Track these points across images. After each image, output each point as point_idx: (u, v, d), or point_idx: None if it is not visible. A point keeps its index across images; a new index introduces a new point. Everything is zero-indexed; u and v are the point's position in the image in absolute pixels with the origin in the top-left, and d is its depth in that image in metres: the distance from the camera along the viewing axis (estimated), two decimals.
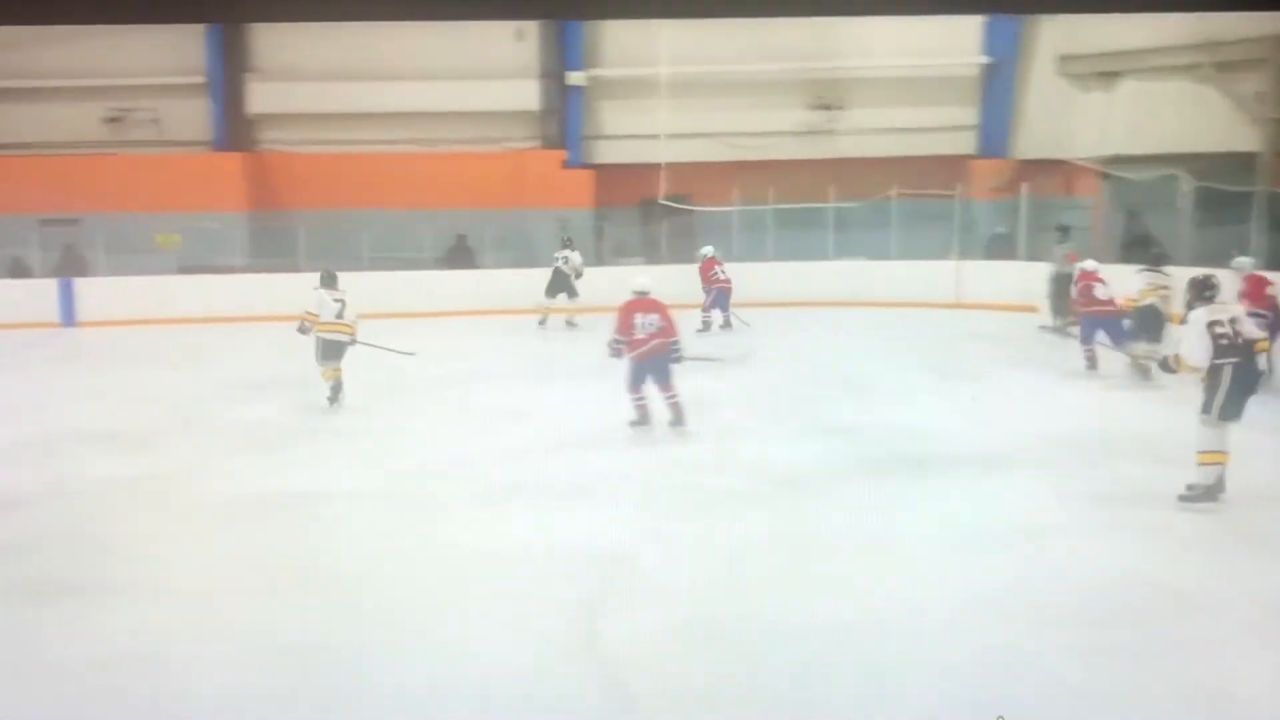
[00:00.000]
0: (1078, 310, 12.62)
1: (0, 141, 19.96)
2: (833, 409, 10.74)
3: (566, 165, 20.06)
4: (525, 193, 19.71)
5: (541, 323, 16.68)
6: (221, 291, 17.89)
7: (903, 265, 18.24)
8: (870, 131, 19.51)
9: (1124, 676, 5.03)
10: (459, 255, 19.25)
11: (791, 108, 19.90)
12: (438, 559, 6.76)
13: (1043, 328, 15.41)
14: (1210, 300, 7.40)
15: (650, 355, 9.50)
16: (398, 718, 4.85)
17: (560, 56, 20.07)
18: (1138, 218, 18.28)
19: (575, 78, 19.99)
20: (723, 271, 16.01)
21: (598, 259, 18.99)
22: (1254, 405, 7.35)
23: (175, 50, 19.76)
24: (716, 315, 15.88)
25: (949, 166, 19.24)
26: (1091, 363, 12.07)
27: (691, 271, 16.39)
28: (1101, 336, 11.98)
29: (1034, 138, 19.36)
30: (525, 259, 18.57)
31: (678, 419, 9.58)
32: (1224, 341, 7.15)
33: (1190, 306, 7.44)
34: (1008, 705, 4.63)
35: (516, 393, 11.75)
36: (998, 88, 19.65)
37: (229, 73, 19.94)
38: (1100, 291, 12.04)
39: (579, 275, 16.57)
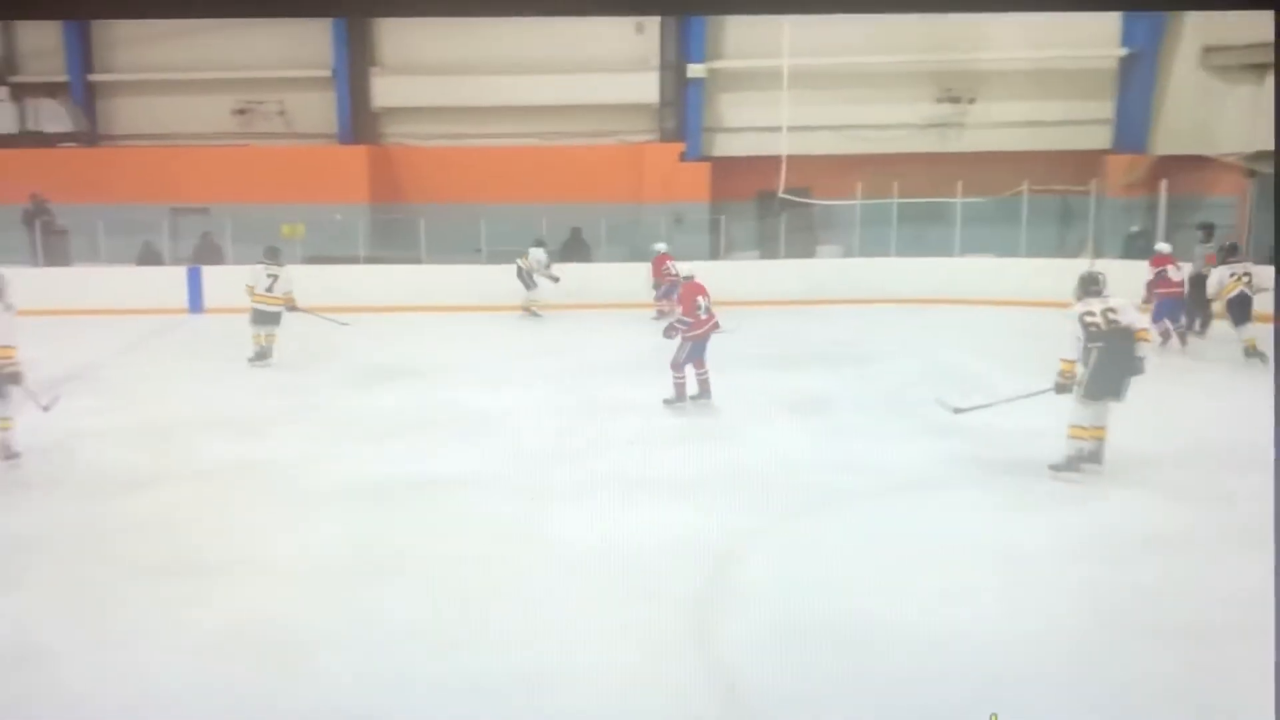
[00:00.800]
0: (1154, 292, 13.35)
1: (136, 132, 20.56)
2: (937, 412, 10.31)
3: (684, 158, 19.78)
4: (642, 186, 19.50)
5: (535, 315, 16.92)
6: (343, 281, 18.02)
7: (1033, 263, 17.51)
8: (1001, 125, 18.92)
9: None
10: (574, 248, 19.11)
11: (918, 100, 19.32)
12: (546, 549, 6.74)
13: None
14: (1096, 295, 8.10)
15: (706, 335, 10.10)
16: (502, 704, 4.84)
17: (680, 49, 19.81)
18: None
19: (696, 70, 19.69)
20: (673, 267, 15.53)
21: (712, 253, 18.68)
22: None
23: (302, 44, 20.10)
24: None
25: (1083, 162, 18.52)
26: (1165, 338, 12.96)
27: (809, 266, 15.97)
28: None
29: (1174, 133, 18.45)
30: (640, 253, 18.35)
31: (706, 393, 10.17)
32: (1093, 329, 7.91)
33: (1077, 299, 8.16)
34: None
35: (625, 385, 11.52)
36: (1136, 80, 18.80)
37: (354, 66, 20.19)
38: (1173, 274, 13.23)
39: (547, 272, 16.91)
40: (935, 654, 5.22)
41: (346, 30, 19.87)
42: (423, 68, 19.98)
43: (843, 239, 18.27)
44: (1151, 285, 13.54)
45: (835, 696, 4.85)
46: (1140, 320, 8.31)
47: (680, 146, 19.79)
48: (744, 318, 14.76)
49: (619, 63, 19.75)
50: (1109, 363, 7.90)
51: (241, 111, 20.44)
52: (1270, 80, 17.35)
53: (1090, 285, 8.18)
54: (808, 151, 18.81)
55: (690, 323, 10.08)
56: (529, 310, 17.03)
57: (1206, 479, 8.09)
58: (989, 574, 6.23)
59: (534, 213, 18.70)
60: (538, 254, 17.08)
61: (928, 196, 18.10)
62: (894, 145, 18.99)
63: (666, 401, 10.21)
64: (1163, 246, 13.99)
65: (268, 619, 5.69)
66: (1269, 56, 17.09)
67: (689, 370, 10.17)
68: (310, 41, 20.05)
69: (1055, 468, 8.09)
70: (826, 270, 18.38)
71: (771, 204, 19.15)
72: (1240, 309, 12.51)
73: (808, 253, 19.15)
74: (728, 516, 7.23)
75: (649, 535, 6.84)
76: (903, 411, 10.34)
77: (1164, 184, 17.22)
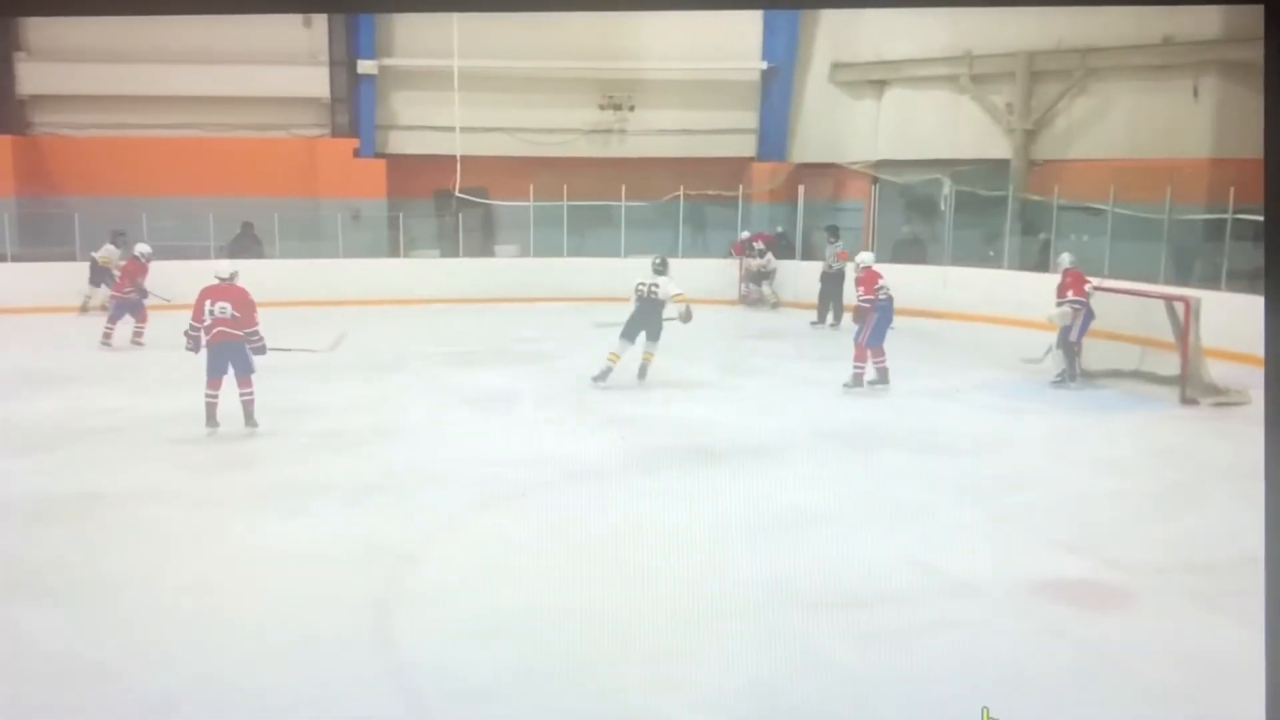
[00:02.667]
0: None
1: None
2: (630, 403, 10.93)
3: (358, 155, 19.45)
4: (316, 181, 19.03)
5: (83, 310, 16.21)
6: None
7: (690, 264, 18.58)
8: (658, 132, 19.80)
9: (893, 657, 5.31)
10: (246, 244, 18.40)
11: (583, 106, 19.94)
12: (224, 560, 6.53)
13: (814, 324, 16.08)
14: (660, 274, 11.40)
15: (221, 342, 9.13)
16: None
17: (350, 44, 19.40)
18: (906, 219, 19.25)
19: (366, 66, 19.37)
20: None
21: (391, 251, 18.60)
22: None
23: None
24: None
25: (733, 168, 19.73)
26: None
27: (488, 265, 16.27)
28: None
29: (810, 142, 20.07)
30: (315, 249, 18.01)
31: (248, 417, 9.29)
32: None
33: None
34: (783, 688, 4.95)
35: (305, 388, 11.23)
36: (776, 93, 20.15)
37: None
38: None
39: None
40: (614, 636, 5.49)
41: None
42: (75, 54, 18.44)
43: (520, 239, 18.68)
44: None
45: (519, 689, 4.96)
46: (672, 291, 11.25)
47: (354, 142, 19.46)
48: (425, 315, 14.95)
49: (287, 56, 19.17)
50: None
51: None
52: (888, 94, 19.31)
53: (657, 264, 11.53)
54: (483, 152, 19.06)
55: (200, 328, 9.25)
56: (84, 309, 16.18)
57: (841, 459, 9.08)
58: (661, 556, 6.61)
59: (199, 206, 17.88)
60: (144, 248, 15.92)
61: (595, 199, 18.81)
62: (563, 149, 19.55)
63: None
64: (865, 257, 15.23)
65: None
66: (886, 73, 19.06)
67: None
68: None
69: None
70: (505, 269, 18.78)
71: (449, 203, 19.28)
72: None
73: (486, 252, 19.44)
74: (411, 516, 7.27)
75: (326, 542, 6.77)
76: (582, 406, 10.81)
77: (801, 189, 18.74)
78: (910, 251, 18.01)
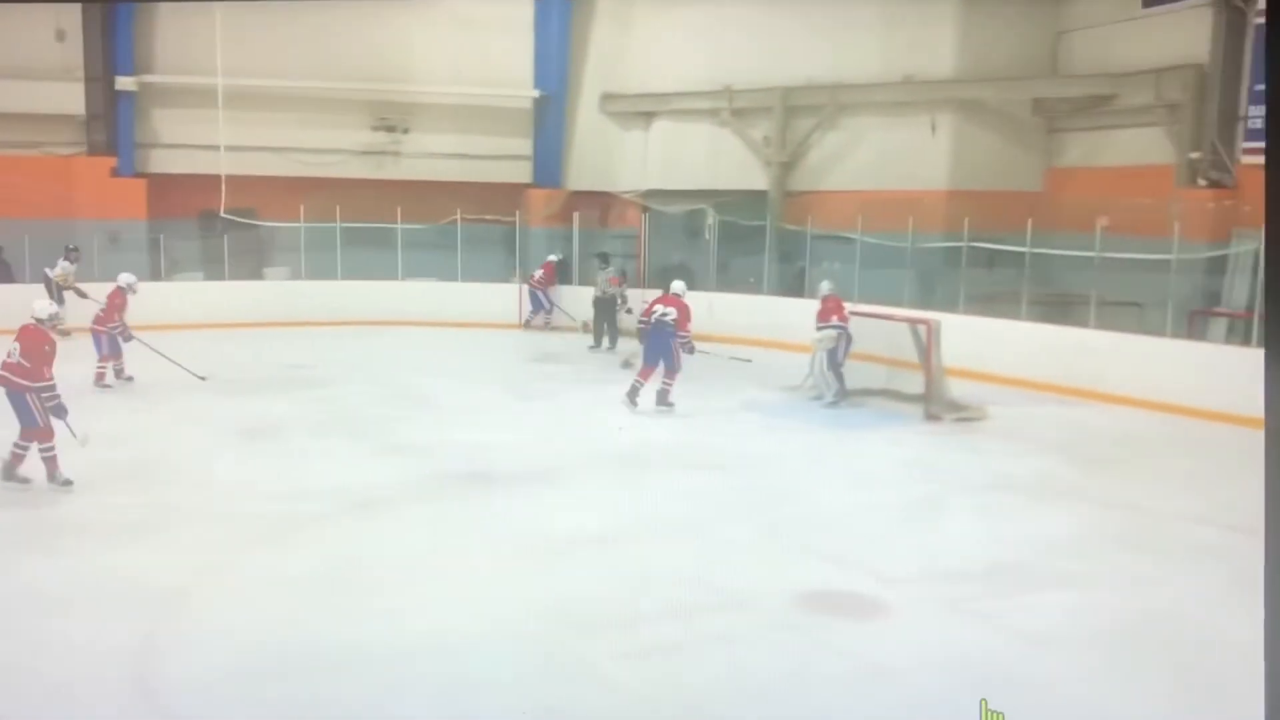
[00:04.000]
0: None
1: None
2: (408, 429, 10.74)
3: (116, 174, 18.34)
4: (71, 202, 17.78)
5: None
6: None
7: (469, 287, 18.46)
8: (434, 155, 19.55)
9: (667, 674, 5.44)
10: None
11: (356, 127, 19.48)
12: None
13: (591, 348, 16.27)
14: None
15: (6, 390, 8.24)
16: None
17: (108, 60, 18.30)
18: (676, 247, 19.66)
19: (125, 83, 18.31)
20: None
21: (153, 274, 17.57)
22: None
23: None
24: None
25: (510, 194, 19.70)
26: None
27: (256, 289, 15.64)
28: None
29: (583, 170, 20.24)
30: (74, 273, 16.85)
31: (50, 475, 8.29)
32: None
33: None
34: (564, 711, 4.98)
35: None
36: (549, 121, 20.22)
37: None
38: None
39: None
40: (394, 670, 5.40)
41: None
42: None
43: (290, 261, 18.04)
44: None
45: None
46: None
47: (112, 161, 18.35)
48: (190, 341, 14.24)
49: (40, 71, 17.89)
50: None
51: None
52: (655, 126, 19.75)
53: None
54: (250, 172, 18.32)
55: None
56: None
57: (619, 480, 9.21)
58: (444, 585, 6.55)
59: None
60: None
61: (370, 221, 18.40)
62: (335, 170, 19.04)
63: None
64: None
65: None
66: (653, 105, 19.51)
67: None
68: None
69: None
70: (274, 292, 18.10)
71: (215, 224, 18.42)
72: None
73: (254, 274, 18.69)
74: (176, 555, 6.91)
75: (84, 584, 6.40)
76: (358, 434, 10.54)
77: (576, 216, 18.88)
78: (679, 277, 18.40)
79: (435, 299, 17.95)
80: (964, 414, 11.73)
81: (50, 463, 8.27)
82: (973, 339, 13.30)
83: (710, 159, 19.25)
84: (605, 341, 16.29)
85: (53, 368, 8.23)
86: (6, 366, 8.19)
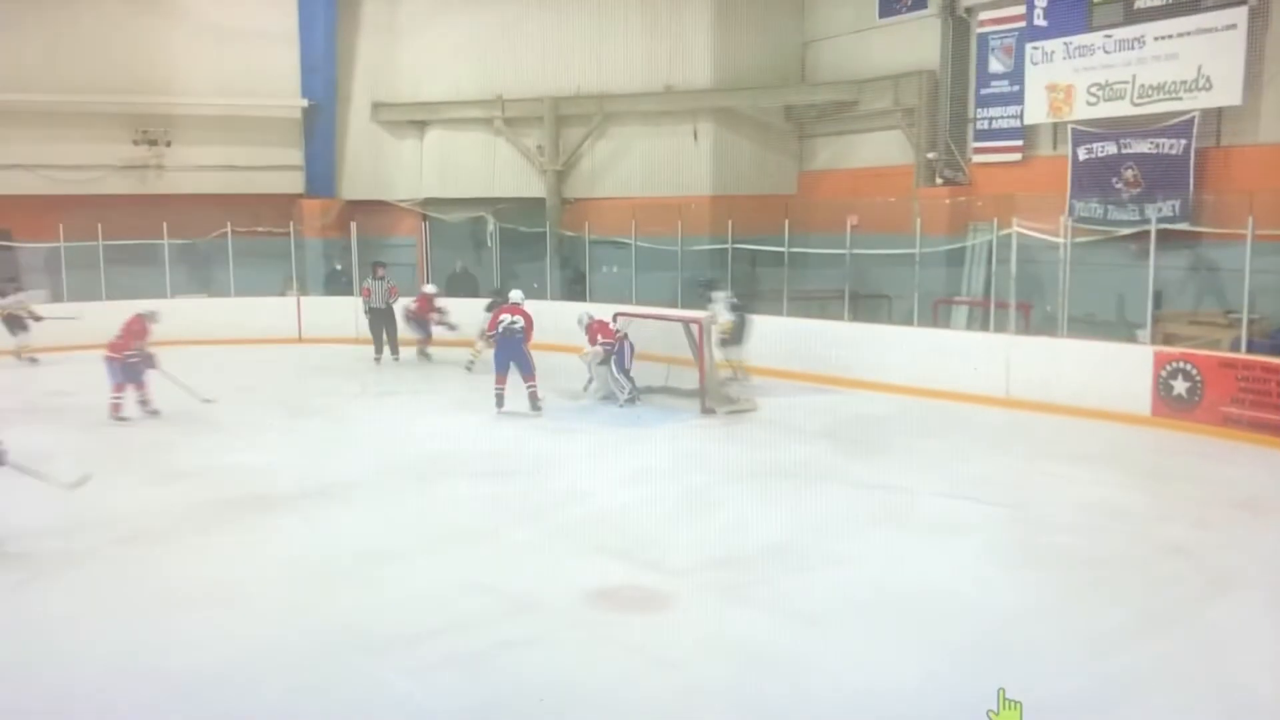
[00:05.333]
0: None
1: None
2: (184, 454, 10.27)
3: None
4: None
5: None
6: None
7: (244, 302, 17.74)
8: (200, 168, 18.70)
9: (458, 684, 5.47)
10: None
11: (116, 141, 18.40)
12: None
13: (376, 359, 15.98)
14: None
15: None
16: None
17: None
18: (458, 254, 19.48)
19: None
20: None
21: None
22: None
23: None
24: None
25: (282, 205, 19.05)
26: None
27: None
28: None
29: (358, 180, 19.84)
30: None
31: None
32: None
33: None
34: None
35: None
36: (319, 131, 19.66)
37: None
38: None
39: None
40: (178, 705, 5.26)
41: None
42: None
43: (50, 283, 16.88)
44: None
45: None
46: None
47: None
48: None
49: None
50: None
51: None
52: (430, 135, 19.54)
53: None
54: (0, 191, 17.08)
55: None
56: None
57: (407, 492, 9.11)
58: (222, 613, 6.37)
59: None
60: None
61: (135, 238, 17.42)
62: (95, 187, 17.93)
63: None
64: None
65: None
66: (427, 114, 19.30)
67: None
68: None
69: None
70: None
71: None
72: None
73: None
74: None
75: None
76: (129, 461, 10.04)
77: (353, 226, 18.48)
78: (464, 284, 18.33)
79: (208, 316, 17.12)
80: (735, 407, 12.20)
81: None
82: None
83: (486, 167, 19.26)
84: (387, 351, 16.02)
85: None
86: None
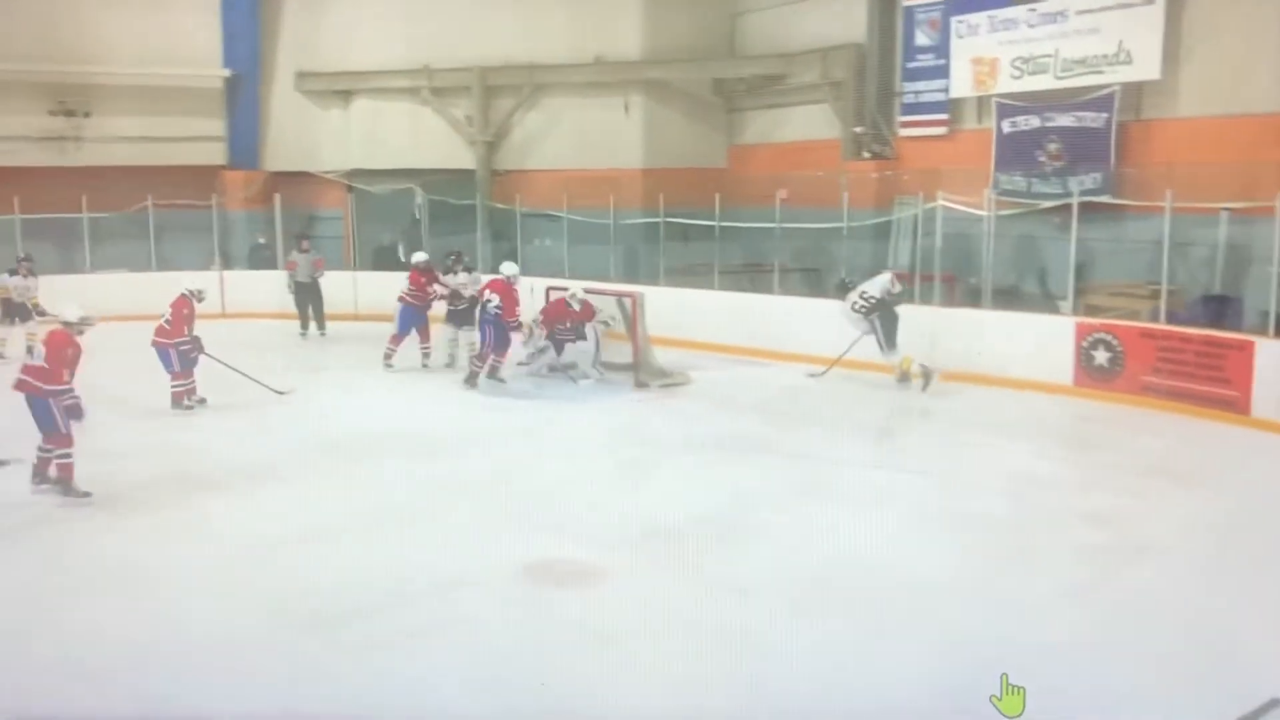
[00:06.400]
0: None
1: None
2: (104, 434, 9.90)
3: None
4: None
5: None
6: None
7: (166, 276, 17.23)
8: (119, 140, 18.09)
9: (395, 663, 5.42)
10: None
11: (32, 112, 17.76)
12: None
13: (303, 334, 15.70)
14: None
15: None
16: None
17: None
18: (385, 227, 19.21)
19: None
20: None
21: None
22: None
23: None
24: None
25: (204, 177, 18.56)
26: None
27: None
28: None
29: (282, 151, 19.37)
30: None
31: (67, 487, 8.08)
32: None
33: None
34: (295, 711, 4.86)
35: None
36: (242, 101, 19.18)
37: None
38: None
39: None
40: (118, 679, 5.21)
41: None
42: None
43: None
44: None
45: None
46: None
47: None
48: None
49: None
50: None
51: None
52: (356, 104, 19.13)
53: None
54: None
55: None
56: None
57: (340, 472, 8.96)
58: (160, 591, 6.31)
59: None
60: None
61: (53, 212, 16.88)
62: (11, 159, 17.30)
63: None
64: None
65: None
66: (352, 84, 18.92)
67: None
68: None
69: None
70: None
71: None
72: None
73: None
74: None
75: None
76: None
77: (278, 198, 18.10)
78: (391, 258, 18.06)
79: (128, 291, 16.60)
80: (669, 380, 12.23)
81: (65, 470, 8.04)
82: (674, 309, 13.85)
83: (413, 138, 18.93)
84: (313, 327, 15.77)
85: (73, 372, 8.05)
86: (27, 370, 8.05)
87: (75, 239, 17.26)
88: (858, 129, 15.93)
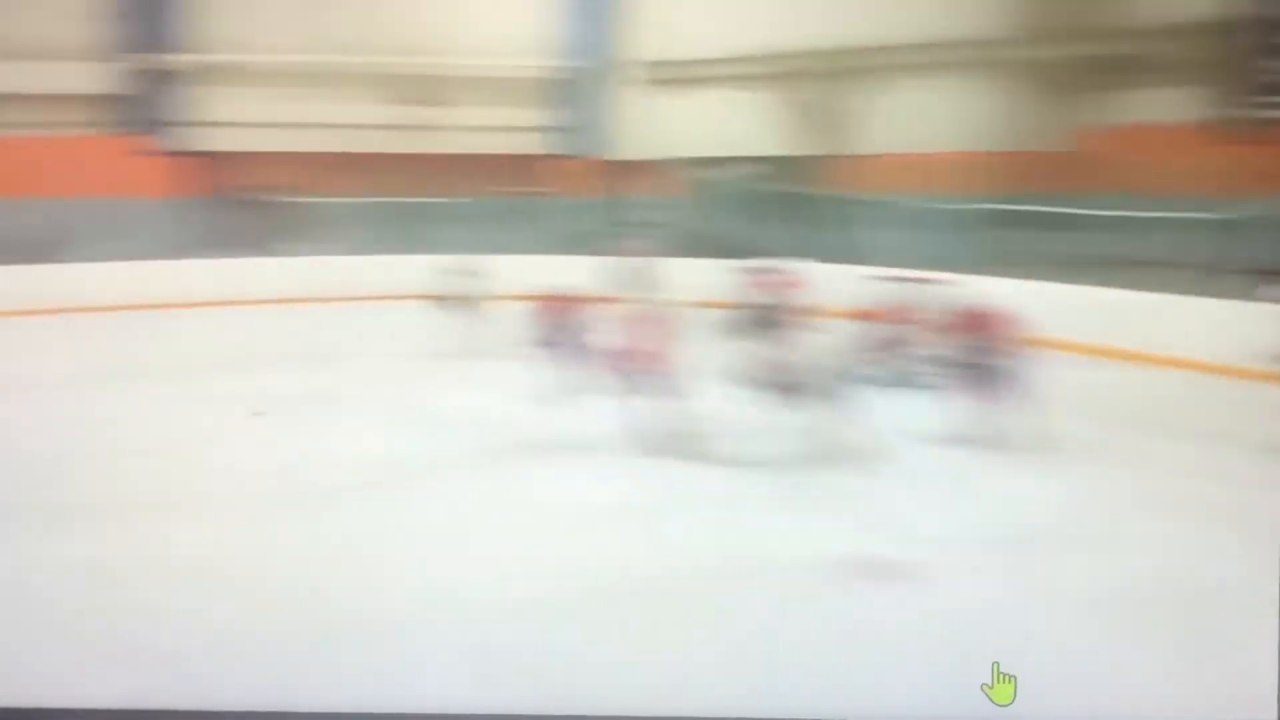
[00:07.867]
0: None
1: None
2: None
3: (151, 152, 18.29)
4: (96, 179, 17.66)
5: None
6: None
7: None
8: (470, 129, 19.04)
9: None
10: None
11: (378, 102, 18.97)
12: None
13: None
14: None
15: None
16: None
17: (141, 38, 18.24)
18: (724, 216, 19.01)
19: (156, 61, 18.25)
20: None
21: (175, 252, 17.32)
22: None
23: None
24: None
25: (545, 165, 19.26)
26: None
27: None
28: None
29: (627, 140, 19.66)
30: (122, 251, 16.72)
31: None
32: None
33: None
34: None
35: None
36: (590, 91, 19.70)
37: None
38: None
39: None
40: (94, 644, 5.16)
41: None
42: None
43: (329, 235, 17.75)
44: None
45: None
46: None
47: (143, 140, 18.31)
48: None
49: (64, 51, 17.77)
50: None
51: None
52: (703, 93, 18.99)
53: None
54: (282, 149, 18.28)
55: None
56: None
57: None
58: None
59: None
60: None
61: (407, 196, 18.03)
62: (368, 145, 18.62)
63: None
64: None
65: None
66: (709, 71, 18.73)
67: None
68: None
69: None
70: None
71: (243, 200, 18.32)
72: None
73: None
74: None
75: None
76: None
77: (619, 187, 18.45)
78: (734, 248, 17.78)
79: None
80: None
81: None
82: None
83: (758, 125, 18.53)
84: None
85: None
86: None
87: (433, 222, 18.14)
88: (1225, 110, 14.01)
